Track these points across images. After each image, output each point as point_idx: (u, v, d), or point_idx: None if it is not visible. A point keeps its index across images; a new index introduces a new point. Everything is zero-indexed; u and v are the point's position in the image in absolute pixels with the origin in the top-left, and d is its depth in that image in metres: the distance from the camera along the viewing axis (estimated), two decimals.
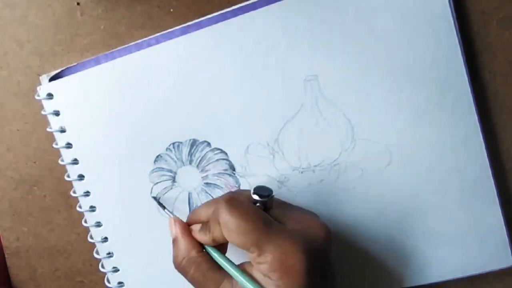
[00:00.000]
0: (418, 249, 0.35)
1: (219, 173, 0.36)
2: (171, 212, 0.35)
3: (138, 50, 0.35)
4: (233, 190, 0.36)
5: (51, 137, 0.38)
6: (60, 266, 0.40)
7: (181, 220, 0.33)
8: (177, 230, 0.32)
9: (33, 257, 0.40)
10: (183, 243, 0.31)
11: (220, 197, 0.31)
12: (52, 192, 0.39)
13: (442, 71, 0.33)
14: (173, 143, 0.36)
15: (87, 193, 0.37)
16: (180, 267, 0.31)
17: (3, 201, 0.40)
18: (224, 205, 0.28)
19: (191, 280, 0.30)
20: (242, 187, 0.36)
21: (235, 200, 0.28)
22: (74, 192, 0.37)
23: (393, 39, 0.33)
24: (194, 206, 0.36)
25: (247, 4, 0.34)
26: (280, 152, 0.35)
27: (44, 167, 0.39)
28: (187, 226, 0.32)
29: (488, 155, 0.34)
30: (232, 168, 0.36)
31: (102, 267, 0.38)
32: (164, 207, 0.36)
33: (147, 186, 0.37)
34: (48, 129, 0.37)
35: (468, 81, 0.33)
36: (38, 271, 0.40)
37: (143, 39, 0.35)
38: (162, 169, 0.36)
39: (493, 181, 0.34)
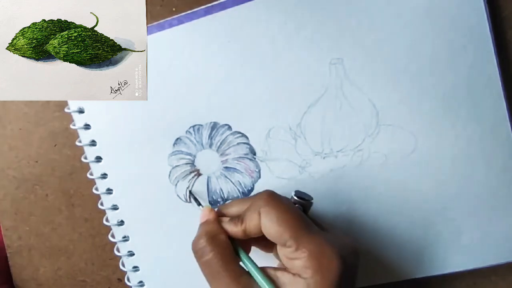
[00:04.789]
0: (440, 238, 0.34)
1: (239, 157, 0.35)
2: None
3: (160, 30, 0.35)
4: (253, 175, 0.35)
5: (53, 136, 0.38)
6: (62, 265, 0.40)
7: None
8: (210, 216, 0.31)
9: (35, 256, 0.40)
10: (212, 226, 0.30)
11: (256, 194, 0.30)
12: (54, 191, 0.39)
13: (470, 57, 0.32)
14: (193, 126, 0.35)
15: (104, 175, 0.37)
16: (199, 247, 0.28)
17: (5, 200, 0.40)
18: (266, 197, 0.28)
19: (205, 264, 0.28)
20: (262, 172, 0.35)
21: (277, 194, 0.29)
22: (91, 174, 0.37)
23: (421, 23, 0.33)
24: (213, 190, 0.36)
25: None
26: (302, 136, 0.34)
27: (46, 166, 0.39)
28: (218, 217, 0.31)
29: None
30: (253, 152, 0.35)
31: (118, 250, 0.38)
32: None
33: (165, 169, 0.36)
34: (66, 110, 0.37)
35: (497, 68, 0.32)
36: (40, 270, 0.40)
37: (164, 20, 0.35)
38: (181, 152, 0.36)
39: None
